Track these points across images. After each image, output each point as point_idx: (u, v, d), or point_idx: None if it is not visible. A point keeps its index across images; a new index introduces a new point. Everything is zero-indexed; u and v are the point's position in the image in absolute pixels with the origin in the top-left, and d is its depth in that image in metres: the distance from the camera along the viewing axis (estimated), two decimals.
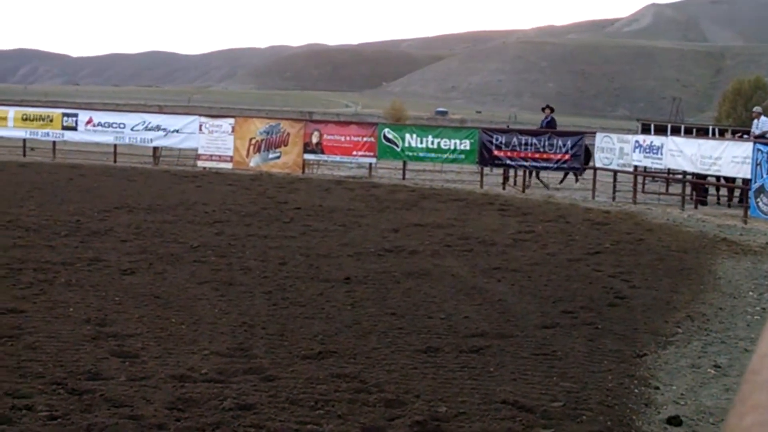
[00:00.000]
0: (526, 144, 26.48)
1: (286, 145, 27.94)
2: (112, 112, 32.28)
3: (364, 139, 27.79)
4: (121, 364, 7.21)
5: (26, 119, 30.13)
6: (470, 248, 14.12)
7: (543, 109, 30.81)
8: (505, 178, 27.48)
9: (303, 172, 27.80)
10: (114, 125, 29.37)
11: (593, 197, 24.63)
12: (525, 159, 26.46)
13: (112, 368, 7.11)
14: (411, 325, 8.91)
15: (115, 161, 28.72)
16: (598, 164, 26.18)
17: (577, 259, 13.58)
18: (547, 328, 9.08)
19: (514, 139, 26.71)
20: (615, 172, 25.80)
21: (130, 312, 8.89)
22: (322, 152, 28.09)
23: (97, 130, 29.41)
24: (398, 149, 27.53)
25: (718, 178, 23.51)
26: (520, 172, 27.27)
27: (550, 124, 29.52)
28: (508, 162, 26.79)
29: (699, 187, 24.90)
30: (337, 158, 28.52)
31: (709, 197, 26.16)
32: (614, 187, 25.62)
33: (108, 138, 29.41)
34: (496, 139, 26.84)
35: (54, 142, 30.09)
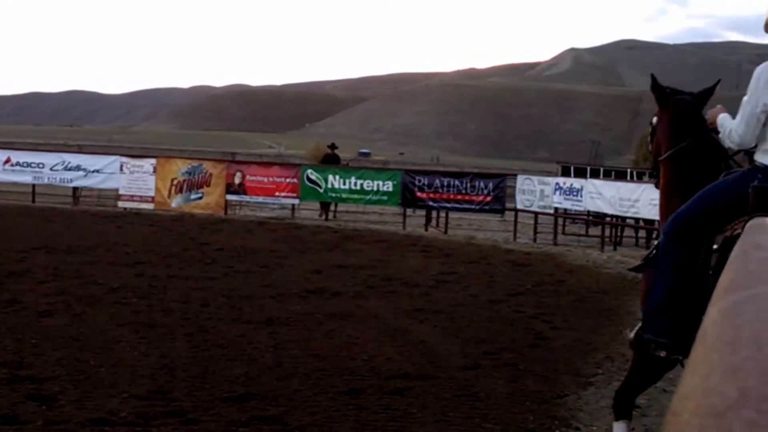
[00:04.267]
0: (448, 186, 26.69)
1: (208, 186, 27.82)
2: (31, 152, 31.87)
3: (287, 180, 27.80)
4: (38, 408, 7.07)
5: None
6: (393, 289, 14.15)
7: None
8: (428, 220, 27.66)
9: (225, 212, 27.69)
10: (33, 165, 28.97)
11: (515, 239, 24.89)
12: (447, 201, 26.66)
13: (28, 412, 6.97)
14: (333, 366, 8.88)
15: (33, 201, 28.31)
16: (519, 206, 26.47)
17: (498, 300, 13.67)
18: (469, 369, 9.11)
19: (437, 181, 26.93)
20: (536, 213, 26.12)
21: (48, 354, 8.73)
22: (245, 193, 28.02)
23: (16, 170, 28.98)
24: (321, 190, 27.58)
25: (636, 220, 23.90)
26: (443, 214, 27.48)
27: (331, 160, 32.08)
28: (431, 203, 26.98)
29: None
30: (260, 199, 28.45)
31: (626, 239, 26.66)
32: (535, 228, 25.94)
33: (26, 178, 29.00)
34: (419, 181, 27.03)
35: None
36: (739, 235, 5.09)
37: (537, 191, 25.87)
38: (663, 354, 5.79)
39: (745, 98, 5.69)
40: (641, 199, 21.75)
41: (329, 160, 32.12)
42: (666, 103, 6.68)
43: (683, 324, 5.58)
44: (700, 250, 5.59)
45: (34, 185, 29.08)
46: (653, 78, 6.95)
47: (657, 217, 21.49)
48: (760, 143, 5.67)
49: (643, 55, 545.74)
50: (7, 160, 29.19)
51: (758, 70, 5.69)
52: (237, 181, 27.84)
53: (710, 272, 5.37)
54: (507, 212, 27.76)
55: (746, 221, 5.08)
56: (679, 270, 5.70)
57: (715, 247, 5.43)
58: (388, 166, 60.30)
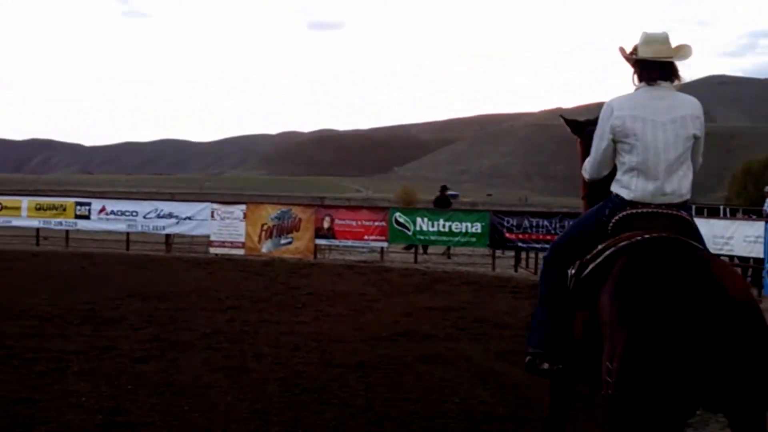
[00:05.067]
0: (537, 226, 26.51)
1: (297, 231, 28.02)
2: (124, 201, 32.50)
3: (376, 223, 27.89)
4: None
5: (39, 209, 30.37)
6: (484, 331, 14.06)
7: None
8: (518, 261, 27.49)
9: (315, 257, 27.83)
10: (127, 213, 29.55)
11: None
12: (537, 241, 26.46)
13: None
14: (425, 409, 8.83)
15: (127, 249, 28.83)
16: None
17: None
18: None
19: (525, 222, 26.77)
20: None
21: (143, 400, 8.83)
22: (334, 237, 28.15)
23: (110, 219, 29.59)
24: (409, 233, 27.61)
25: (731, 257, 23.45)
26: (532, 254, 27.28)
27: (442, 202, 33.07)
28: (520, 244, 26.81)
29: None
30: (349, 243, 28.57)
31: None
32: None
33: (121, 226, 29.57)
34: (508, 222, 26.90)
35: (67, 231, 30.25)
36: (589, 261, 5.70)
37: None
38: (546, 366, 6.28)
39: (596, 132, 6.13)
40: (735, 236, 21.37)
41: (441, 203, 32.76)
42: (581, 132, 7.02)
43: (557, 338, 6.06)
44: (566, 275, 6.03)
45: (128, 233, 29.62)
46: (562, 118, 7.39)
47: (753, 254, 21.05)
48: (617, 174, 5.98)
49: (733, 90, 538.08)
50: (102, 209, 29.82)
51: (606, 104, 6.07)
52: (326, 225, 28.00)
53: (570, 293, 5.88)
54: None
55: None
56: (552, 292, 6.12)
57: (572, 272, 5.87)
58: (476, 208, 60.13)
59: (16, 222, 30.69)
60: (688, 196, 5.88)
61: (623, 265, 5.18)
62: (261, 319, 14.63)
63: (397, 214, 28.34)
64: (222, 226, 28.52)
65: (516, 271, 26.43)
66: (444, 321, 15.05)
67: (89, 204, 30.36)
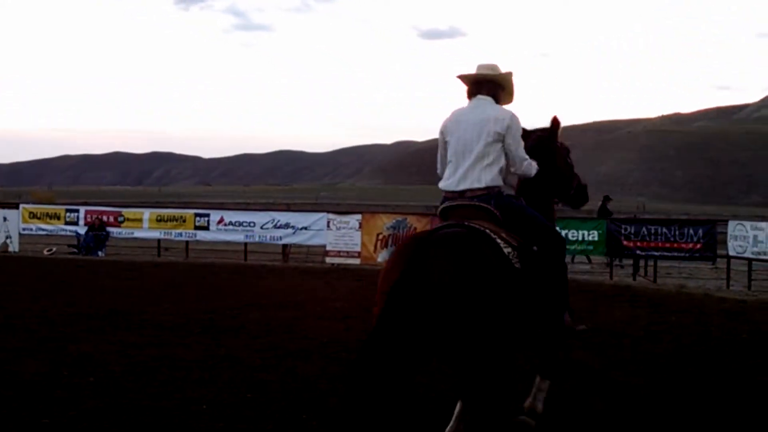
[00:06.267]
0: (656, 233, 26.09)
1: None
2: (242, 212, 33.03)
3: None
4: None
5: (160, 220, 31.09)
6: (601, 340, 13.87)
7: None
8: (636, 269, 27.11)
9: None
10: (244, 224, 30.04)
11: (728, 287, 24.05)
12: (655, 249, 26.04)
13: None
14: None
15: (245, 259, 29.27)
16: (731, 252, 25.58)
17: (712, 350, 13.22)
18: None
19: (644, 229, 26.37)
20: (749, 260, 25.18)
21: (262, 408, 8.93)
22: None
23: (228, 229, 30.12)
24: None
25: None
26: (651, 262, 26.85)
27: (603, 212, 33.33)
28: (638, 252, 26.41)
29: None
30: None
31: None
32: (749, 275, 24.98)
33: (238, 237, 30.08)
34: (625, 229, 26.52)
35: (187, 242, 30.88)
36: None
37: (750, 237, 24.94)
38: None
39: None
40: None
41: (602, 213, 32.85)
42: (527, 138, 7.84)
43: None
44: None
45: (245, 243, 30.10)
46: None
47: None
48: None
49: None
50: (221, 220, 30.38)
51: None
52: None
53: None
54: (719, 259, 26.89)
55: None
56: None
57: None
58: (593, 216, 59.39)
59: (138, 233, 31.47)
60: (492, 185, 6.99)
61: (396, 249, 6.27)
62: None
63: None
64: (338, 235, 28.78)
65: (634, 279, 26.05)
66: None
67: (208, 215, 30.94)
